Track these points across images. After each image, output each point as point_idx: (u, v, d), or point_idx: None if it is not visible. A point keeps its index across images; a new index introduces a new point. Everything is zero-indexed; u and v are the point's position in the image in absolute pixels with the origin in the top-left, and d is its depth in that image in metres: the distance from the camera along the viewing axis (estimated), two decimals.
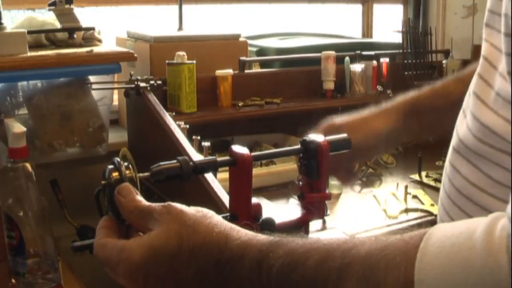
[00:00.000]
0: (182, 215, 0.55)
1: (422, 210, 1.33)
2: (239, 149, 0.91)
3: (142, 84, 1.33)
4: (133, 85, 1.33)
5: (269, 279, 0.50)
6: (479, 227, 0.40)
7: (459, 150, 0.58)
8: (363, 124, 0.93)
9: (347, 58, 1.86)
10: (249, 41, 1.79)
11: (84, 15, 1.32)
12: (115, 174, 0.62)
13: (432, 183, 1.51)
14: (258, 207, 0.95)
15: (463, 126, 0.58)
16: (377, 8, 2.39)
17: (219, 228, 0.55)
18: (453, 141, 0.61)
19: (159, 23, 1.94)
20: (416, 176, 1.55)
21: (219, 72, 1.65)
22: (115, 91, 1.54)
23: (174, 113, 1.38)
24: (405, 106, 0.92)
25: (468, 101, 0.58)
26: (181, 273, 0.53)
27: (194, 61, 1.54)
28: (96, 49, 1.28)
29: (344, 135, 0.95)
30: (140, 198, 0.59)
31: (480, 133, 0.54)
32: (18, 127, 0.94)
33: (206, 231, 0.54)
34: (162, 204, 0.57)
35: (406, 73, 1.96)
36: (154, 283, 0.54)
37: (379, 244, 0.45)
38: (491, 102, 0.53)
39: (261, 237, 0.54)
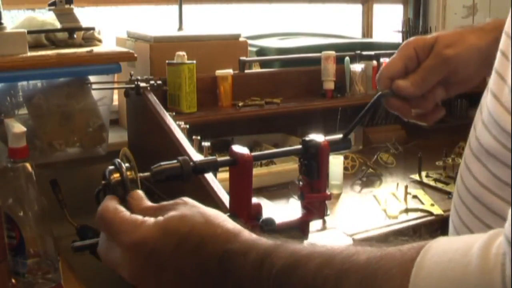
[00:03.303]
0: (198, 207, 0.56)
1: (422, 210, 1.33)
2: (239, 149, 0.91)
3: (142, 84, 1.33)
4: (133, 85, 1.33)
5: (269, 278, 0.50)
6: (476, 243, 0.39)
7: (472, 148, 0.57)
8: (460, 39, 0.77)
9: (347, 58, 1.86)
10: (249, 41, 1.79)
11: (84, 15, 1.32)
12: (116, 175, 0.62)
13: (432, 183, 1.51)
14: (258, 207, 0.95)
15: (479, 123, 0.56)
16: (377, 8, 2.39)
17: (232, 224, 0.55)
18: (470, 139, 0.59)
19: (159, 23, 1.94)
20: (416, 176, 1.55)
21: (219, 72, 1.65)
22: (115, 91, 1.54)
23: (174, 113, 1.38)
24: (501, 25, 0.75)
25: (486, 97, 0.56)
26: (184, 260, 0.53)
27: (194, 61, 1.54)
28: (96, 49, 1.28)
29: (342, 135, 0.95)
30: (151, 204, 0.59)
31: (496, 131, 0.52)
32: (18, 127, 0.94)
33: (218, 225, 0.54)
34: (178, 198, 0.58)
35: None
36: (155, 261, 0.53)
37: (378, 253, 0.45)
38: (504, 98, 0.51)
39: (269, 238, 0.54)
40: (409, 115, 0.81)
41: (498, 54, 0.54)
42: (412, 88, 0.77)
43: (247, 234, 0.54)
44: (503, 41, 0.53)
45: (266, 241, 0.53)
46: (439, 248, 0.41)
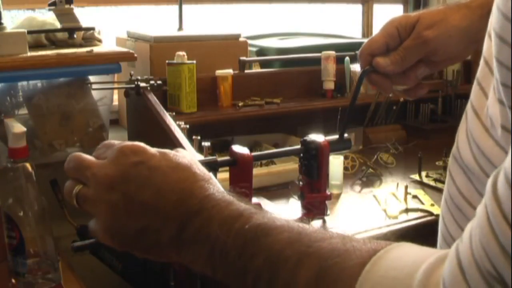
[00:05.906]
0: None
1: (422, 210, 1.33)
2: (239, 149, 0.91)
3: (142, 84, 1.33)
4: (133, 85, 1.33)
5: (237, 236, 0.49)
6: (423, 265, 0.39)
7: (456, 158, 0.54)
8: (443, 18, 0.77)
9: (347, 58, 1.86)
10: (249, 41, 1.79)
11: (84, 15, 1.32)
12: None
13: (432, 183, 1.51)
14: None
15: (463, 134, 0.53)
16: (377, 8, 2.39)
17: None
18: (453, 147, 0.56)
19: (159, 23, 1.94)
20: (416, 176, 1.55)
21: (219, 72, 1.65)
22: (115, 91, 1.54)
23: (174, 113, 1.38)
24: (489, 3, 0.71)
25: (468, 107, 0.52)
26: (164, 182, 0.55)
27: (194, 61, 1.54)
28: (96, 49, 1.28)
29: (345, 135, 0.95)
30: None
31: (476, 151, 0.48)
32: (18, 127, 0.94)
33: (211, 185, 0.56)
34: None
35: None
36: (134, 191, 0.54)
37: (341, 246, 0.45)
38: (483, 116, 0.46)
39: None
40: (389, 90, 0.84)
41: (481, 62, 0.49)
42: (392, 66, 0.80)
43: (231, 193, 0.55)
44: (486, 47, 0.48)
45: (247, 203, 0.54)
46: (390, 260, 0.41)
